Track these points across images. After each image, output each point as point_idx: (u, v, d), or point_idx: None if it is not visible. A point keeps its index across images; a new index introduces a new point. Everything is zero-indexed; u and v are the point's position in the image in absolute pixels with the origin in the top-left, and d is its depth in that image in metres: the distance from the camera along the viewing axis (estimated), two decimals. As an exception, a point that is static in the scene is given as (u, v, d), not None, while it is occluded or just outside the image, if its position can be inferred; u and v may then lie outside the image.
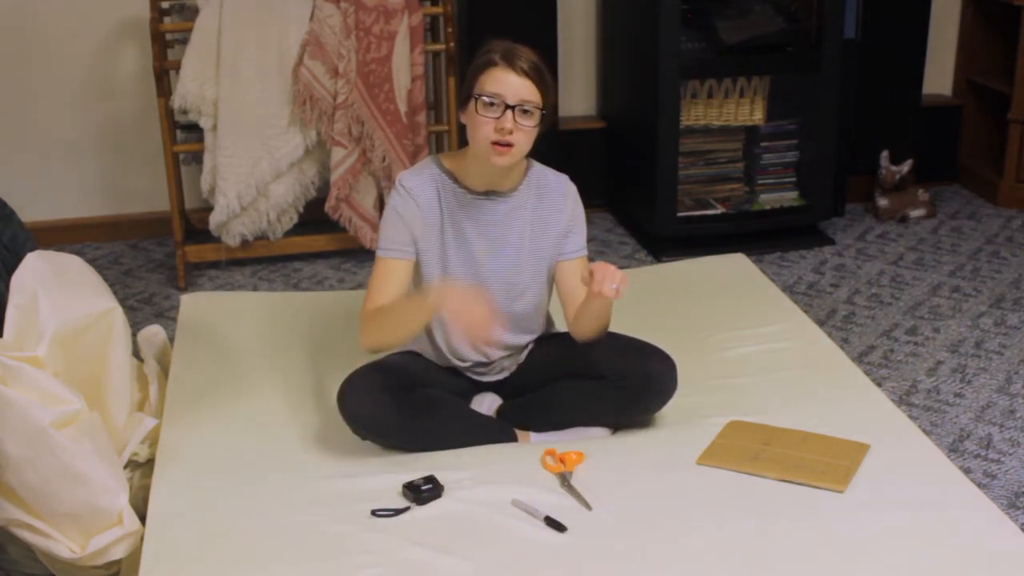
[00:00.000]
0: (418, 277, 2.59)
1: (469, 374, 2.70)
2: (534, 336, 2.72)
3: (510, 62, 2.41)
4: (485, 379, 2.71)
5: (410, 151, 4.05)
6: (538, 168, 2.63)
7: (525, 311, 2.63)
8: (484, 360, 2.66)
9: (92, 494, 2.32)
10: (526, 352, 2.73)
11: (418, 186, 2.54)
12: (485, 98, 2.41)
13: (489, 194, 2.55)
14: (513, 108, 2.40)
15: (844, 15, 4.17)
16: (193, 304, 3.34)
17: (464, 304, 2.33)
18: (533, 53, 2.45)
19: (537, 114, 2.43)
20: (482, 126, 2.42)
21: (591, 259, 2.63)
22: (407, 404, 2.52)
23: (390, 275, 2.52)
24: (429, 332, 2.63)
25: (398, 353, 2.70)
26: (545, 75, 2.44)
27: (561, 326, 2.78)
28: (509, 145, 2.41)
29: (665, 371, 2.58)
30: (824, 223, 4.53)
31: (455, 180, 2.55)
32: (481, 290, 2.47)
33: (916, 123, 4.76)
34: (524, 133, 2.42)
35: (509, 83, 2.40)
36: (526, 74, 2.40)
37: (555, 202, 2.60)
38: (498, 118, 2.40)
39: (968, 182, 4.98)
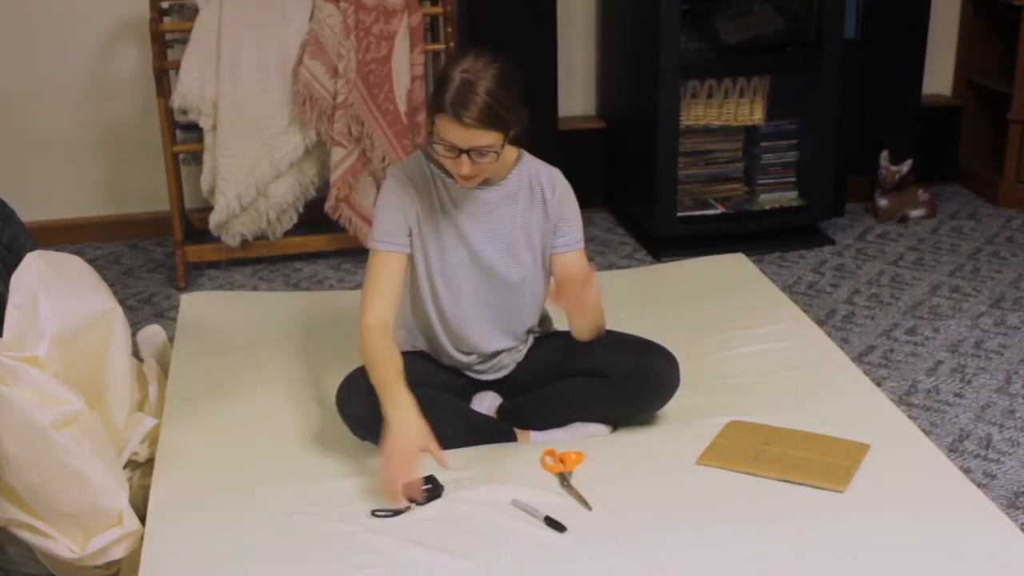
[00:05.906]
0: (413, 273, 2.59)
1: (469, 372, 2.70)
2: (530, 329, 2.71)
3: (457, 115, 2.32)
4: (485, 377, 2.71)
5: (410, 151, 4.04)
6: (528, 159, 2.62)
7: (523, 302, 2.63)
8: (485, 356, 2.66)
9: (92, 494, 2.32)
10: (526, 350, 2.73)
11: (411, 174, 2.55)
12: (438, 145, 2.39)
13: (480, 183, 2.56)
14: (468, 151, 2.37)
15: (844, 15, 4.17)
16: (193, 304, 3.35)
17: (397, 467, 2.30)
18: (487, 88, 2.32)
19: (495, 149, 2.39)
20: (443, 159, 2.43)
21: (590, 259, 2.63)
22: None
23: (384, 272, 2.50)
24: (429, 329, 2.63)
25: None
26: (497, 113, 2.33)
27: (559, 324, 2.78)
28: (473, 176, 2.42)
29: (668, 368, 2.59)
30: (824, 223, 4.53)
31: (445, 171, 2.54)
32: (415, 464, 2.34)
33: (916, 123, 4.76)
34: (486, 163, 2.40)
35: (459, 134, 2.34)
36: (475, 124, 2.32)
37: (545, 193, 2.60)
38: (455, 159, 2.39)
39: (968, 182, 4.97)
